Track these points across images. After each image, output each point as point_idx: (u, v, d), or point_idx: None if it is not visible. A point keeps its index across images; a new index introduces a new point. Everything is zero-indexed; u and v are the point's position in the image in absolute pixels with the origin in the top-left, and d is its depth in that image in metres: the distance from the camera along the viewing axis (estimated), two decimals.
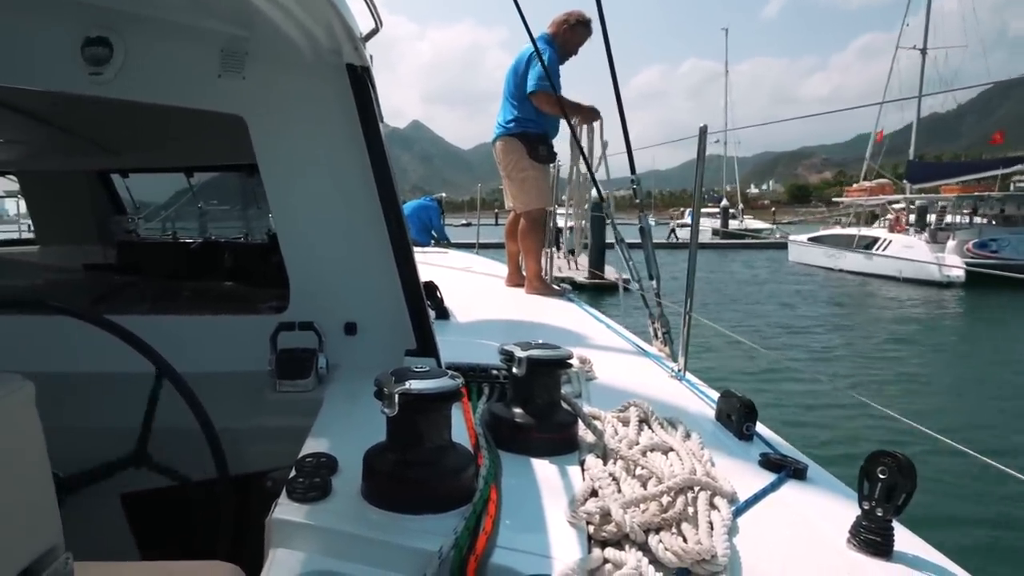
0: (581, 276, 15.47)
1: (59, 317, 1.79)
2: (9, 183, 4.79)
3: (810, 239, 29.87)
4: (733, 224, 49.47)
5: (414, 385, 1.15)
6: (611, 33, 3.92)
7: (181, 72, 2.09)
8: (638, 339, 2.94)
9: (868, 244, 25.99)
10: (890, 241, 25.16)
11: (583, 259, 16.32)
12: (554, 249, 21.54)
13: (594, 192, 4.15)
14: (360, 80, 1.99)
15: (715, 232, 45.96)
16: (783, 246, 39.54)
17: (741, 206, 59.21)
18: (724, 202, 56.71)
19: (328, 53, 1.98)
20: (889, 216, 29.31)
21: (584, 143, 4.23)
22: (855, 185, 33.92)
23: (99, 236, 4.61)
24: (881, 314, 17.25)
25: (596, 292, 15.04)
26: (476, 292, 4.52)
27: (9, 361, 1.72)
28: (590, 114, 4.34)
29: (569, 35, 4.39)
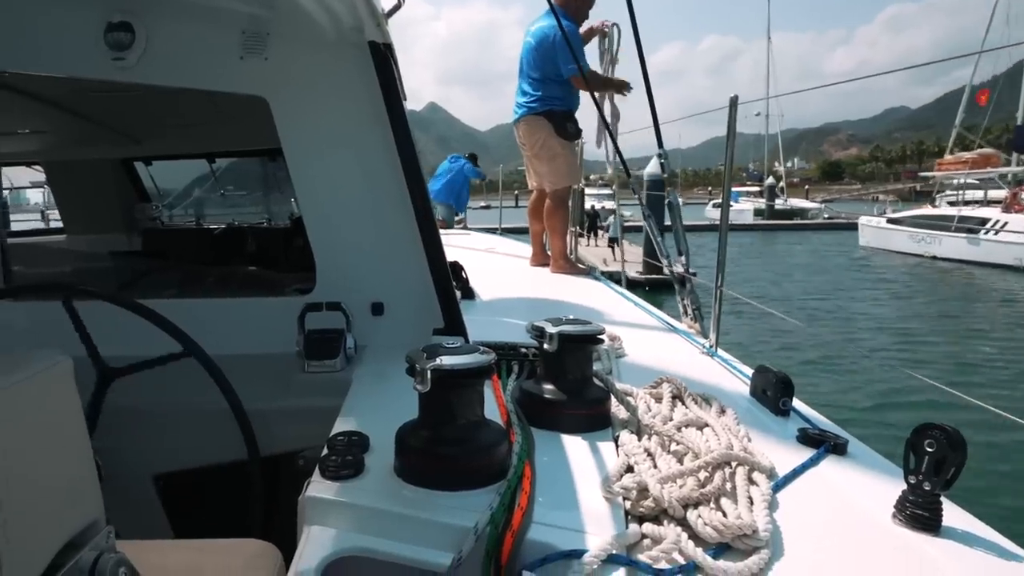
0: (633, 270, 13.91)
1: (91, 302, 1.80)
2: (33, 173, 4.86)
3: (890, 220, 26.56)
4: (777, 204, 46.21)
5: (446, 361, 1.14)
6: (622, 9, 3.86)
7: (203, 55, 2.09)
8: (667, 316, 2.91)
9: (970, 227, 21.73)
10: (1005, 223, 20.93)
11: (632, 249, 15.25)
12: (590, 236, 20.73)
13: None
14: (383, 58, 1.97)
15: (758, 212, 43.08)
16: (842, 227, 36.84)
17: (782, 184, 53.88)
18: (769, 180, 50.70)
19: (350, 31, 1.95)
20: (1003, 193, 24.48)
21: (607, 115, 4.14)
22: (950, 156, 29.88)
23: (124, 224, 4.66)
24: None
25: (654, 290, 13.17)
26: (501, 272, 4.50)
27: (43, 346, 1.74)
28: (621, 87, 4.24)
29: (579, 6, 4.31)
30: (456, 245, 5.20)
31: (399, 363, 1.79)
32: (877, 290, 17.13)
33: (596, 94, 3.69)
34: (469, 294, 3.01)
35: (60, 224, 4.80)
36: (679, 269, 2.69)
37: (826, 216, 44.08)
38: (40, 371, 0.74)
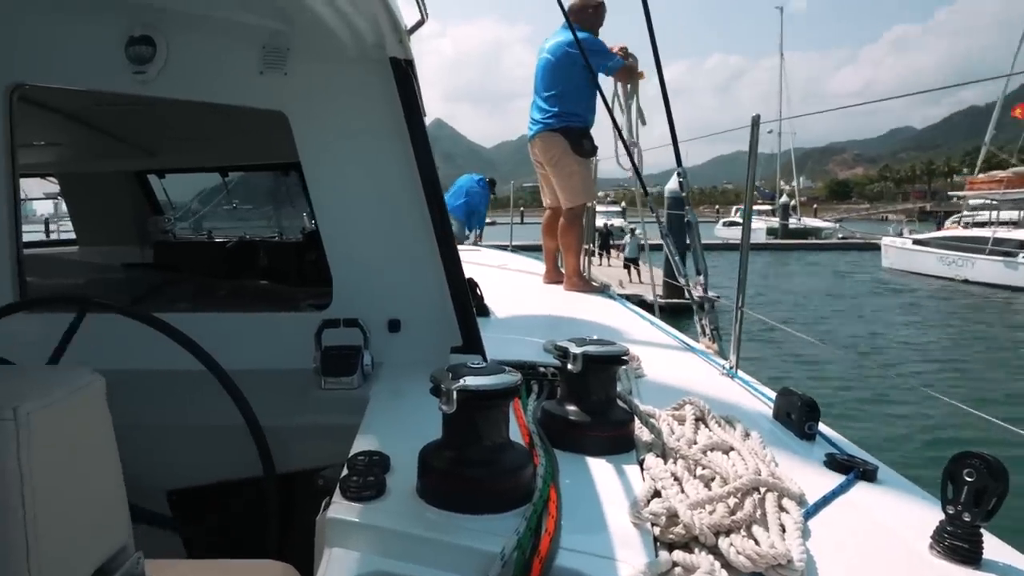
0: (651, 294, 13.58)
1: (106, 315, 1.79)
2: (47, 184, 4.89)
3: (916, 241, 25.37)
4: (790, 222, 45.15)
5: (472, 381, 1.12)
6: (636, 27, 3.87)
7: (223, 69, 2.09)
8: (684, 336, 2.87)
9: (1007, 250, 20.68)
10: None
11: (646, 270, 14.36)
12: (603, 256, 20.03)
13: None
14: (404, 74, 1.97)
15: (771, 232, 41.70)
16: (859, 247, 35.91)
17: (794, 201, 52.26)
18: (784, 198, 50.06)
19: (372, 47, 1.95)
20: None
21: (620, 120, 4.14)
22: (982, 176, 28.50)
23: (137, 236, 4.67)
24: None
25: (676, 314, 12.87)
26: (514, 289, 4.48)
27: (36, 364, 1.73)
28: (633, 71, 4.26)
29: (593, 18, 4.31)
30: (468, 261, 5.18)
31: (416, 381, 1.77)
32: (910, 315, 16.40)
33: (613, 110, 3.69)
34: (483, 311, 2.99)
35: (61, 236, 4.81)
36: (698, 290, 2.67)
37: (840, 236, 42.93)
38: (75, 391, 0.72)
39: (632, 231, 18.50)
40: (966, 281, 21.59)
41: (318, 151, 2.09)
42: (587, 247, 4.91)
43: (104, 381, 0.77)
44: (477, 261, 5.48)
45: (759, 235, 40.44)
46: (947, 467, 1.09)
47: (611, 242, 21.84)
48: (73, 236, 4.83)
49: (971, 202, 27.14)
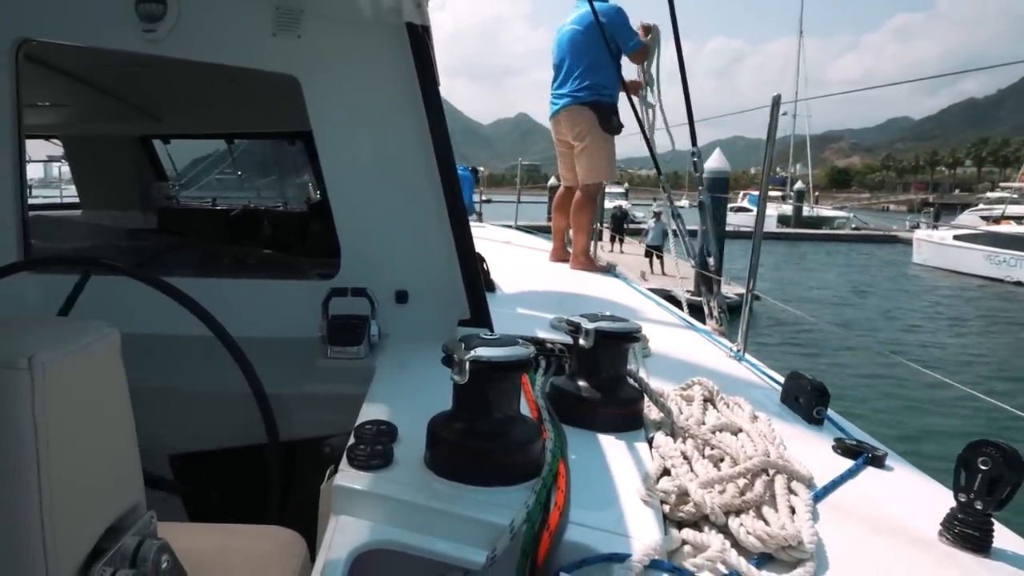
0: (681, 289, 12.48)
1: (112, 277, 1.78)
2: (51, 147, 4.85)
3: (957, 237, 23.05)
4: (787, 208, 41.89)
5: (485, 352, 1.10)
6: (638, 10, 3.82)
7: (234, 30, 2.05)
8: (691, 318, 2.87)
9: None
10: None
11: (674, 260, 14.28)
12: (615, 240, 17.49)
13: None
14: (420, 40, 1.93)
15: (782, 220, 39.16)
16: (879, 239, 34.18)
17: (801, 185, 48.81)
18: (799, 184, 47.97)
19: (388, 11, 1.92)
20: None
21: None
22: None
23: (140, 201, 4.65)
24: None
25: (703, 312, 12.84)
26: (519, 265, 4.47)
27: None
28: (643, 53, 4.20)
29: None
30: (475, 237, 5.15)
31: (423, 352, 1.76)
32: (966, 322, 14.84)
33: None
34: (490, 286, 2.97)
35: (41, 201, 4.77)
36: (710, 272, 2.65)
37: (853, 227, 40.72)
38: (88, 344, 0.71)
39: (657, 215, 16.87)
40: (1019, 283, 19.77)
41: (329, 117, 2.06)
42: (596, 228, 4.87)
43: (119, 334, 0.76)
44: (483, 236, 5.47)
45: (770, 223, 38.34)
46: (961, 454, 1.08)
47: (625, 226, 19.91)
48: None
49: (989, 195, 26.43)
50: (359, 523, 1.08)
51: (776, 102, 2.12)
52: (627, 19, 4.05)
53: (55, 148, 4.78)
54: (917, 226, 33.87)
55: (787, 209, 41.21)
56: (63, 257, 2.05)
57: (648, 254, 15.59)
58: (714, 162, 12.62)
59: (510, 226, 8.02)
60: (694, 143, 2.72)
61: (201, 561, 1.00)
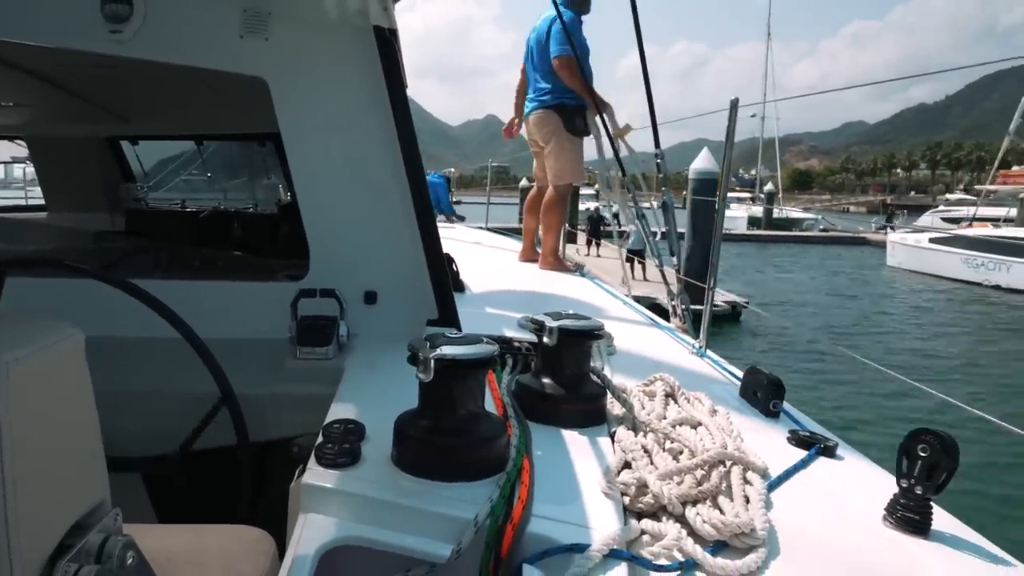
0: (664, 295, 10.41)
1: (78, 280, 1.77)
2: (15, 148, 4.77)
3: (934, 240, 22.47)
4: (758, 211, 41.42)
5: (450, 350, 1.13)
6: (599, 14, 3.82)
7: (202, 32, 2.05)
8: (655, 316, 2.92)
9: None
10: None
11: (654, 269, 13.29)
12: (591, 244, 16.58)
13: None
14: (387, 43, 1.96)
15: (753, 222, 39.05)
16: (848, 241, 33.83)
17: (772, 187, 46.68)
18: (769, 186, 46.41)
19: (355, 14, 1.93)
20: None
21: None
22: (1017, 168, 26.93)
23: (108, 203, 4.59)
24: None
25: (695, 321, 11.70)
26: (489, 265, 4.50)
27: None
28: (600, 105, 4.04)
29: None
30: (444, 238, 5.17)
31: (392, 352, 1.78)
32: (949, 329, 14.32)
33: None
34: (459, 286, 3.00)
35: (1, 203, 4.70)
36: (671, 272, 2.71)
37: (821, 228, 40.36)
38: (52, 343, 0.72)
39: (640, 217, 16.54)
40: (998, 287, 19.18)
41: (298, 118, 2.07)
42: (569, 229, 4.93)
43: (83, 335, 0.77)
44: (452, 237, 5.49)
45: (740, 224, 38.75)
46: (903, 443, 1.14)
47: (601, 229, 18.59)
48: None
49: (948, 197, 26.70)
50: (327, 520, 1.10)
51: (734, 106, 2.18)
52: (569, 28, 3.87)
53: (17, 149, 4.71)
54: (883, 228, 34.16)
55: (757, 211, 41.19)
56: (28, 260, 2.03)
57: (629, 259, 14.16)
58: (701, 162, 12.42)
59: (482, 227, 8.04)
60: (657, 145, 2.78)
61: (170, 561, 1.01)
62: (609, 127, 3.82)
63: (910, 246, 23.50)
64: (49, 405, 0.72)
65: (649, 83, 2.45)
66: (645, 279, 12.51)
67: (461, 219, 10.77)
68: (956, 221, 29.72)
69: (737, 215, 40.05)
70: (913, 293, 19.31)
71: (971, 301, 18.04)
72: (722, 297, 12.20)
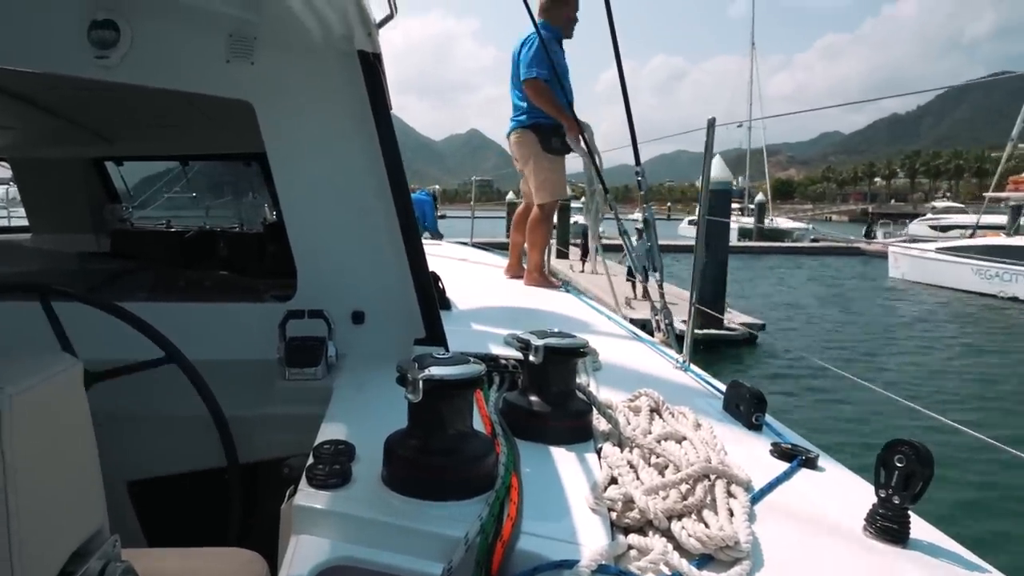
0: (678, 320, 6.26)
1: (65, 304, 1.78)
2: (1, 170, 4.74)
3: (942, 250, 21.20)
4: (748, 223, 40.04)
5: (438, 371, 1.15)
6: (577, 28, 3.87)
7: (188, 57, 2.08)
8: (639, 331, 2.96)
9: None
10: None
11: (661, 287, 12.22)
12: (585, 260, 16.07)
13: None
14: (371, 66, 1.99)
15: (744, 233, 37.37)
16: (841, 252, 32.51)
17: (762, 198, 46.50)
18: (760, 196, 45.98)
19: (339, 39, 1.97)
20: None
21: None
22: None
23: (93, 224, 4.57)
24: None
25: (711, 349, 10.39)
26: (474, 283, 4.52)
27: (13, 348, 1.71)
28: (572, 127, 4.07)
29: (555, 13, 4.28)
30: (429, 254, 5.18)
31: (380, 372, 1.80)
32: (976, 346, 13.27)
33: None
34: (445, 304, 3.02)
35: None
36: (654, 290, 2.75)
37: (812, 239, 39.01)
38: (52, 375, 0.74)
39: (639, 232, 15.20)
40: (1015, 299, 18.05)
41: (284, 141, 2.10)
42: (559, 248, 4.98)
43: (82, 366, 0.79)
44: (437, 254, 5.51)
45: (731, 236, 37.20)
46: (880, 454, 1.17)
47: (585, 247, 17.44)
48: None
49: (936, 204, 26.38)
50: (319, 541, 1.11)
51: (711, 124, 2.23)
52: (543, 47, 3.88)
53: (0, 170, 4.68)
54: (872, 236, 33.87)
55: (746, 221, 40.38)
56: (13, 283, 2.03)
57: (630, 278, 12.72)
58: (714, 171, 10.80)
59: (466, 243, 8.05)
60: (637, 162, 2.82)
61: None
62: (590, 145, 3.87)
63: (915, 256, 22.38)
64: (50, 435, 0.73)
65: (628, 98, 2.49)
66: (648, 299, 11.75)
67: (440, 237, 10.79)
68: (945, 229, 29.36)
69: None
70: (924, 307, 18.27)
71: (989, 314, 17.01)
72: (736, 319, 11.59)
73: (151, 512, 2.02)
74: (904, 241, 25.79)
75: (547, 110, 4.12)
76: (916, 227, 36.47)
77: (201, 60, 2.07)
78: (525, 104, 4.25)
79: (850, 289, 21.62)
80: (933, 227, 31.48)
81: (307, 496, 1.17)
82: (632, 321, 3.33)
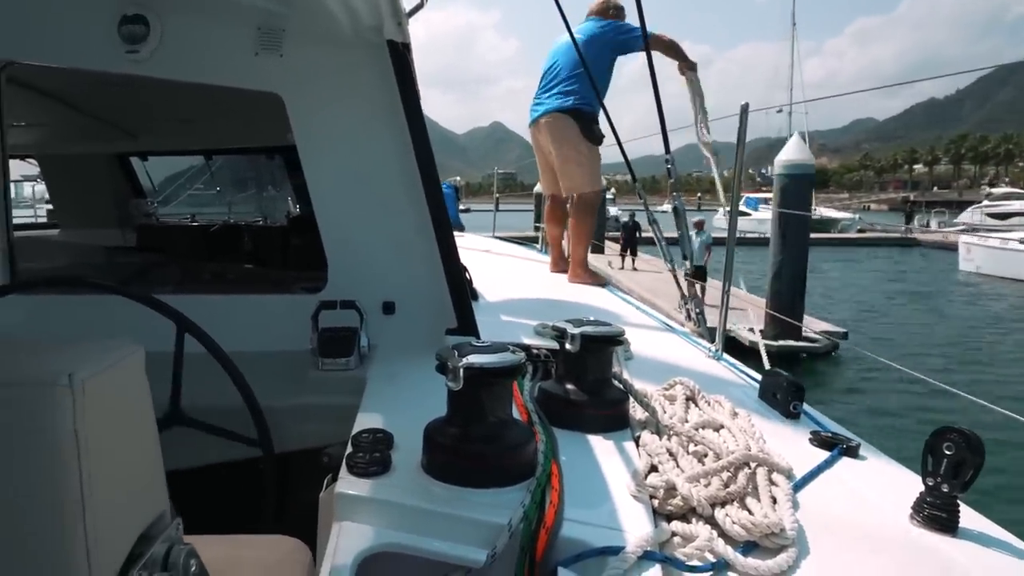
0: (744, 328, 8.06)
1: (98, 296, 1.80)
2: (26, 166, 4.82)
3: None
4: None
5: (478, 359, 1.15)
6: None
7: (217, 50, 2.09)
8: (671, 320, 2.94)
9: None
10: None
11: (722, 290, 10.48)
12: (625, 257, 14.67)
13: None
14: (401, 57, 1.98)
15: None
16: (894, 243, 30.72)
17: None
18: None
19: (369, 30, 1.96)
20: None
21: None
22: None
23: (118, 219, 4.63)
24: None
25: (786, 361, 8.65)
26: (500, 273, 4.52)
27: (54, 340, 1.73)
28: (689, 64, 3.97)
29: (615, 18, 4.17)
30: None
31: (412, 362, 1.80)
32: None
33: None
34: (473, 295, 3.02)
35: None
36: (683, 276, 2.73)
37: (859, 228, 36.96)
38: (120, 359, 0.75)
39: (698, 225, 13.17)
40: None
41: (314, 133, 2.10)
42: (595, 242, 4.82)
43: (143, 351, 0.80)
44: (461, 246, 5.51)
45: (770, 227, 35.46)
46: (928, 441, 1.15)
47: (638, 237, 16.04)
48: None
49: (993, 191, 24.76)
50: (362, 528, 1.11)
51: (744, 110, 2.20)
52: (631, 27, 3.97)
53: (26, 167, 4.75)
54: (927, 225, 31.87)
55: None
56: (53, 278, 2.06)
57: (691, 279, 8.90)
58: (792, 152, 9.50)
59: (489, 236, 8.01)
60: (667, 150, 2.79)
61: (211, 571, 1.03)
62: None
63: (993, 248, 20.55)
64: (117, 419, 0.75)
65: (658, 90, 2.47)
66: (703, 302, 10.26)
67: (461, 228, 10.77)
68: (1005, 216, 27.31)
69: (766, 217, 36.22)
70: (1007, 303, 16.64)
71: None
72: (814, 326, 9.82)
73: (187, 502, 2.04)
74: (962, 231, 23.99)
75: (674, 52, 3.99)
76: (970, 215, 33.84)
77: (230, 53, 2.08)
78: (572, 87, 4.05)
79: (921, 285, 19.74)
80: (991, 215, 29.46)
81: (349, 484, 1.18)
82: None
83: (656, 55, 3.48)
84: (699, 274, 10.06)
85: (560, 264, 4.57)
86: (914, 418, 7.81)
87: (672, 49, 3.98)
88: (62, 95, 3.27)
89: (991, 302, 17.17)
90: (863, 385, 9.35)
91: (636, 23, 3.63)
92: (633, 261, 15.21)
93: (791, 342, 9.14)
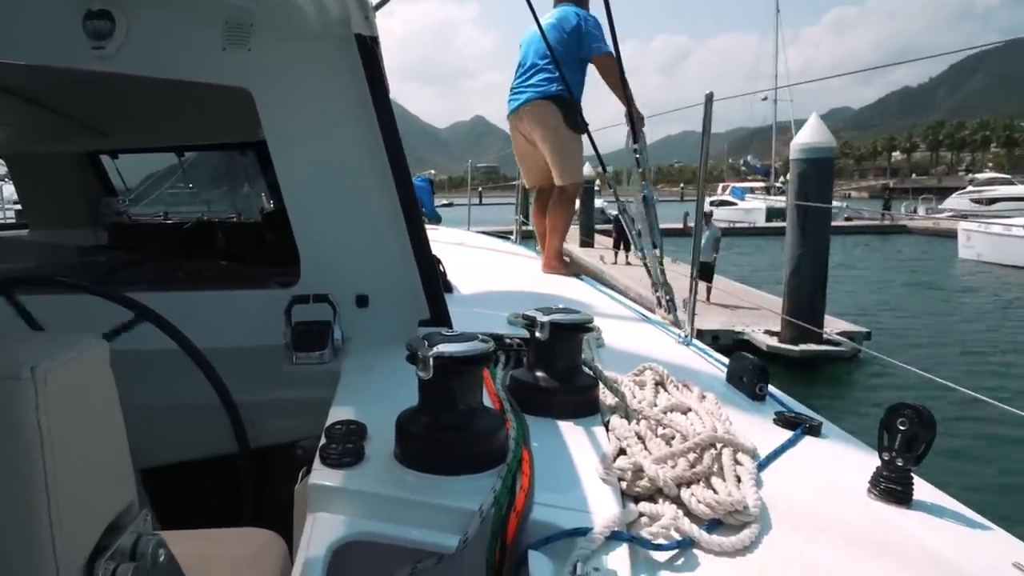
0: (760, 332, 8.27)
1: (70, 295, 1.79)
2: None
3: None
4: (780, 201, 33.21)
5: (448, 348, 1.17)
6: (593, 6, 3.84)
7: (185, 45, 2.07)
8: (641, 308, 2.98)
9: None
10: None
11: (729, 289, 10.33)
12: (618, 252, 14.41)
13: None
14: (369, 50, 1.99)
15: (775, 214, 32.79)
16: (884, 230, 30.19)
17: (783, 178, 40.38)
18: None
19: (336, 23, 1.96)
20: None
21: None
22: None
23: (89, 218, 4.57)
24: None
25: (805, 367, 8.11)
26: (474, 265, 4.53)
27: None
28: (637, 115, 3.53)
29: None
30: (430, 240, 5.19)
31: (386, 354, 1.82)
32: None
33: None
34: (447, 287, 3.04)
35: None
36: (653, 264, 2.77)
37: (845, 217, 35.66)
38: (80, 354, 0.76)
39: (707, 216, 11.27)
40: None
41: (283, 127, 2.10)
42: (583, 237, 4.80)
43: (108, 346, 0.81)
44: (436, 239, 5.51)
45: (758, 217, 34.77)
46: (883, 418, 1.19)
47: (630, 232, 15.39)
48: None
49: (977, 176, 24.44)
50: (335, 518, 1.13)
51: (709, 99, 2.23)
52: (600, 28, 3.87)
53: None
54: (914, 211, 31.70)
55: (777, 200, 36.11)
56: (22, 277, 2.04)
57: (704, 275, 10.12)
58: (809, 134, 8.74)
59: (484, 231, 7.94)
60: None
61: (185, 566, 1.05)
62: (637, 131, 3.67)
63: (994, 235, 19.48)
64: (81, 411, 0.75)
65: (626, 81, 2.49)
66: (709, 301, 9.50)
67: (438, 221, 10.74)
68: (992, 201, 27.05)
69: (753, 207, 36.50)
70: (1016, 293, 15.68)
71: None
72: (833, 326, 9.07)
73: (164, 500, 2.05)
74: (950, 217, 23.80)
75: (615, 90, 3.70)
76: (956, 201, 33.26)
77: (198, 48, 2.07)
78: (553, 73, 3.91)
79: (924, 275, 18.66)
80: (977, 200, 29.01)
81: (322, 475, 1.19)
82: (699, 334, 3.00)
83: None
84: (705, 272, 9.55)
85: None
86: (951, 430, 6.81)
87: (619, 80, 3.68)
88: (28, 93, 3.22)
89: (1003, 292, 16.54)
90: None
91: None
92: (626, 256, 14.50)
93: (812, 346, 8.36)
